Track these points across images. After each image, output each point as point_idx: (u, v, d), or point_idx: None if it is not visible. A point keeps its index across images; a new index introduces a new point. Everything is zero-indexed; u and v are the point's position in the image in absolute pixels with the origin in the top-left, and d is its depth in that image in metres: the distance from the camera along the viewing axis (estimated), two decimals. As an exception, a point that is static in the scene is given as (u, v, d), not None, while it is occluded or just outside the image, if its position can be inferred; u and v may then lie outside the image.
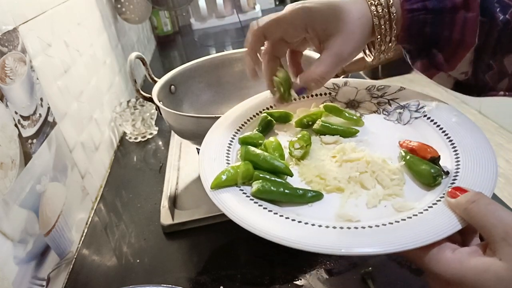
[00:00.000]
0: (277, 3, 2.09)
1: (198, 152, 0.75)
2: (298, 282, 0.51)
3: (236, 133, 0.50)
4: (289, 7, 0.44)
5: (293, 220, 0.37)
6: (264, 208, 0.38)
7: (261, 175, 0.42)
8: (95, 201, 0.75)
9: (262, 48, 0.48)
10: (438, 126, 0.46)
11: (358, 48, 0.44)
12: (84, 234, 0.67)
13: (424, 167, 0.40)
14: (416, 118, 0.49)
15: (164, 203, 0.68)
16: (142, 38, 1.54)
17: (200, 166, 0.43)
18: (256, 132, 0.50)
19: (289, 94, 0.48)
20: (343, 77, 0.61)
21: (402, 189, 0.40)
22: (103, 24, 1.04)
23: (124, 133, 0.97)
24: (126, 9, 1.23)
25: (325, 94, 0.56)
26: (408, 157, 0.42)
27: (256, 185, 0.40)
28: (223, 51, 0.82)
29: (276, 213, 0.38)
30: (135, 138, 0.94)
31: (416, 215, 0.35)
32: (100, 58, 0.95)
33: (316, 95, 0.56)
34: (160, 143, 0.92)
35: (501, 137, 2.17)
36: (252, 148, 0.44)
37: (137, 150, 0.91)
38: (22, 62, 0.58)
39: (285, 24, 0.45)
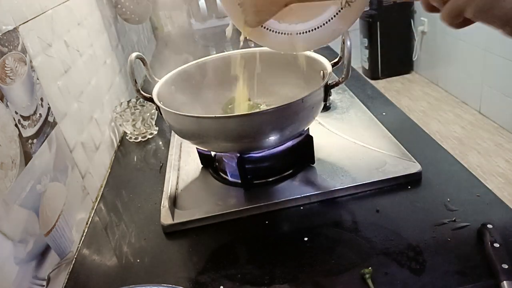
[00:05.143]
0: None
1: (199, 153, 0.75)
2: (298, 282, 0.51)
3: None
4: None
5: None
6: None
7: None
8: (96, 201, 0.75)
9: None
10: None
11: None
12: (84, 234, 0.67)
13: None
14: None
15: (164, 203, 0.68)
16: (142, 38, 1.54)
17: None
18: None
19: None
20: None
21: None
22: (103, 24, 1.04)
23: (125, 133, 0.97)
24: (126, 9, 1.22)
25: None
26: None
27: None
28: (223, 51, 0.82)
29: None
30: (135, 138, 0.94)
31: None
32: (100, 58, 0.95)
33: None
34: (160, 143, 0.92)
35: (501, 137, 2.17)
36: None
37: (137, 150, 0.91)
38: (22, 62, 0.58)
39: None
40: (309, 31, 0.62)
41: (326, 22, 0.60)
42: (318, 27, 0.61)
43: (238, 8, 0.60)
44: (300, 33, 0.62)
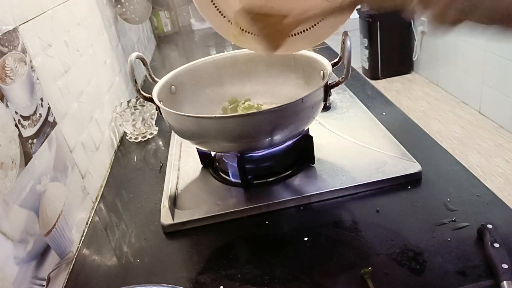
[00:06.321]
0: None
1: (199, 153, 0.75)
2: (298, 282, 0.51)
3: None
4: None
5: None
6: None
7: None
8: (96, 201, 0.75)
9: None
10: None
11: None
12: (84, 234, 0.67)
13: None
14: None
15: (165, 203, 0.68)
16: (142, 38, 1.54)
17: None
18: None
19: None
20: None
21: None
22: (103, 24, 1.04)
23: (125, 133, 0.97)
24: (126, 9, 1.23)
25: None
26: None
27: None
28: (223, 51, 0.82)
29: None
30: (135, 138, 0.94)
31: None
32: (100, 58, 0.95)
33: None
34: (160, 143, 0.92)
35: (501, 137, 2.17)
36: None
37: (137, 150, 0.91)
38: (22, 62, 0.58)
39: None
40: (301, 32, 0.62)
41: (318, 23, 0.61)
42: (309, 28, 0.62)
43: (221, 18, 0.62)
44: (292, 35, 0.63)
